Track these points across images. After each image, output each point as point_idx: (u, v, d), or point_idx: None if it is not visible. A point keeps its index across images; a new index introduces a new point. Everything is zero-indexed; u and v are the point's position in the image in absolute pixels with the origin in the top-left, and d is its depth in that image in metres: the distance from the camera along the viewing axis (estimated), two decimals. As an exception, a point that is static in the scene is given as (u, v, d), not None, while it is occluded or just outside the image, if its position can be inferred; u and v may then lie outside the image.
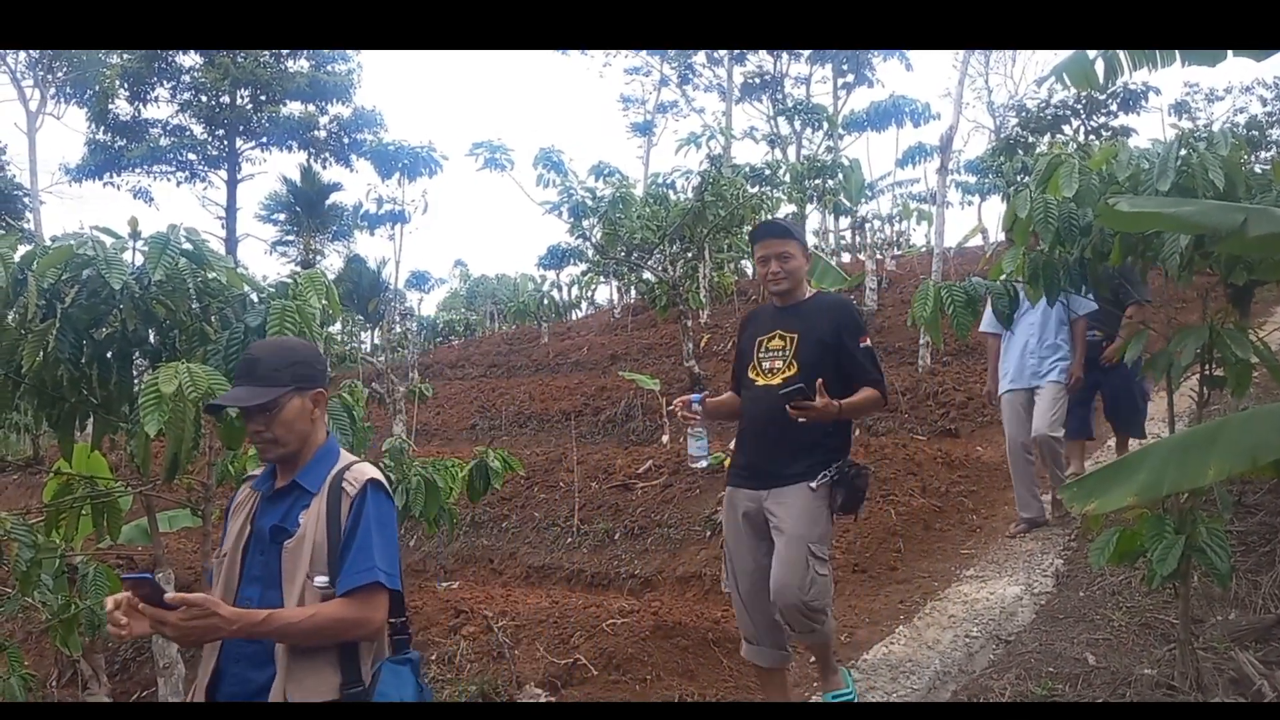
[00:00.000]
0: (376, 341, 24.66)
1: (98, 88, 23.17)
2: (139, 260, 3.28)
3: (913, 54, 26.33)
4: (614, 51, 29.37)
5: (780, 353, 3.60)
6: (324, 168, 26.56)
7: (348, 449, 3.70)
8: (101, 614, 4.01)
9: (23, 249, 3.19)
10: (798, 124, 25.41)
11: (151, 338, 3.44)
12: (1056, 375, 5.82)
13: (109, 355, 3.36)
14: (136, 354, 3.46)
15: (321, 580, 2.21)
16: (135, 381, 3.45)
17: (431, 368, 17.93)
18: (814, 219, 21.46)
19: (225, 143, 25.39)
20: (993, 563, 5.61)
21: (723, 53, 27.66)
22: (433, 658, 4.92)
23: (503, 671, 4.65)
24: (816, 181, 17.65)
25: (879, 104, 21.08)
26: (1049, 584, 5.13)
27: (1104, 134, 15.82)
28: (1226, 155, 3.37)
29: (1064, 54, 3.87)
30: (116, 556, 6.94)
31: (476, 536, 8.31)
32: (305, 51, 24.93)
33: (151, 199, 25.29)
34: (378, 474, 2.37)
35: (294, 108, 25.38)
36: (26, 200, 24.02)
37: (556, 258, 22.45)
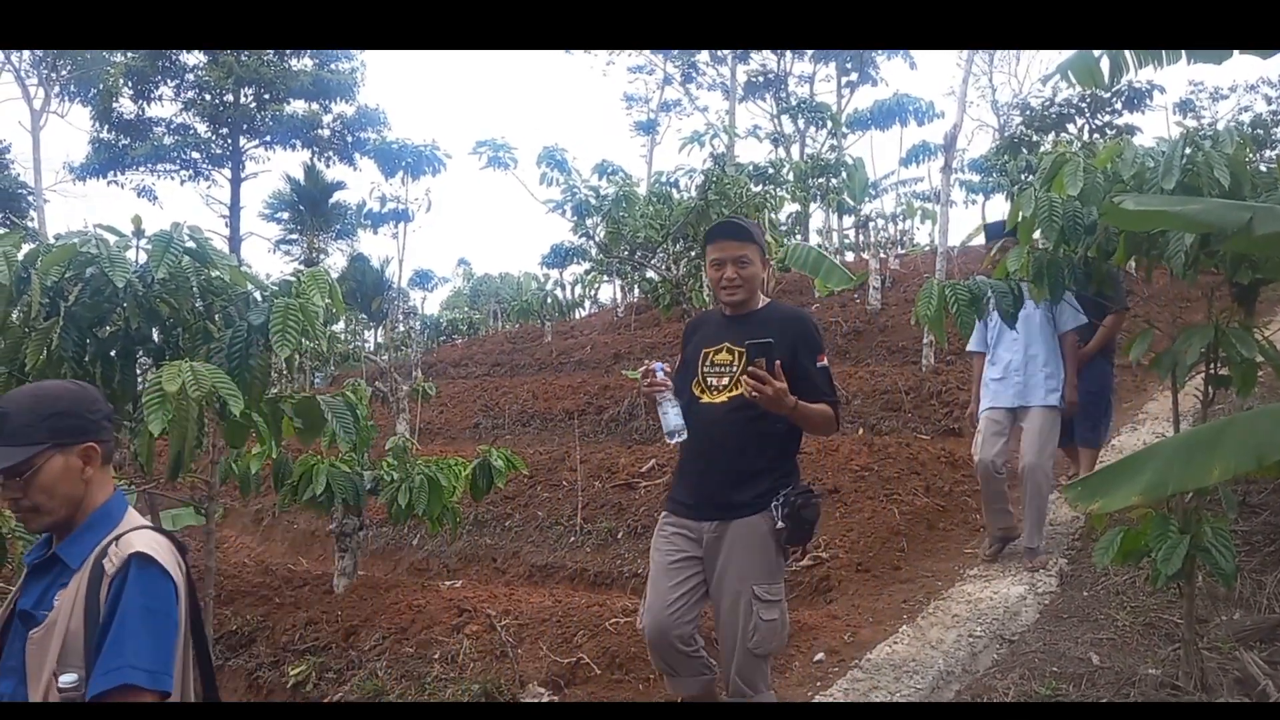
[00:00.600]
0: (380, 340, 24.69)
1: (102, 86, 23.22)
2: (142, 259, 3.29)
3: (917, 53, 26.35)
4: (617, 50, 29.38)
5: (728, 368, 3.24)
6: (328, 166, 26.61)
7: (351, 448, 3.72)
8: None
9: (27, 247, 3.20)
10: (801, 122, 25.45)
11: (155, 336, 3.45)
12: (1046, 398, 5.27)
13: (112, 353, 3.37)
14: (140, 352, 3.47)
15: (68, 679, 1.84)
16: (139, 380, 3.45)
17: (435, 366, 17.94)
18: (818, 217, 21.48)
19: (229, 141, 25.42)
20: (996, 562, 5.60)
21: (726, 51, 27.64)
22: (436, 657, 4.92)
23: (506, 670, 4.65)
24: (820, 180, 17.68)
25: (883, 102, 21.13)
26: (1053, 583, 5.12)
27: (1109, 132, 15.79)
28: (1232, 153, 3.36)
29: (1068, 53, 3.86)
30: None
31: (480, 535, 8.31)
32: (309, 50, 24.98)
33: (155, 197, 25.37)
34: (150, 546, 1.96)
35: (298, 106, 25.42)
36: (31, 198, 24.12)
37: (560, 256, 22.47)
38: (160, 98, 24.53)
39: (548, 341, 17.62)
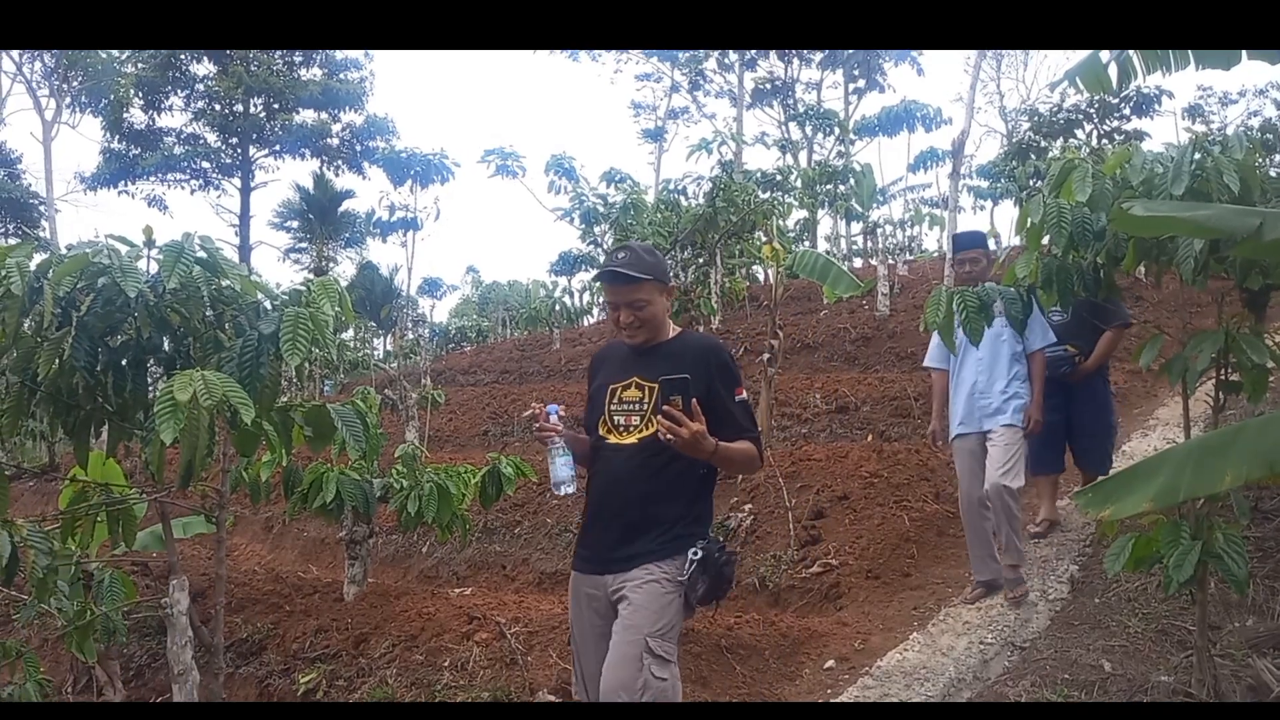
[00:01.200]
0: (389, 348, 24.76)
1: (113, 96, 23.37)
2: (154, 268, 3.30)
3: (924, 59, 26.37)
4: (625, 58, 29.47)
5: (637, 406, 2.96)
6: (337, 175, 26.73)
7: (361, 456, 3.72)
8: (117, 621, 4.03)
9: (39, 257, 3.21)
10: (809, 129, 25.46)
11: (166, 345, 3.46)
12: (1010, 417, 4.96)
13: (124, 363, 3.38)
14: (151, 361, 3.48)
15: None
16: (150, 389, 3.47)
17: (444, 374, 17.96)
18: (826, 224, 21.49)
19: (239, 150, 25.55)
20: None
21: (734, 59, 27.71)
22: (446, 664, 4.92)
23: (515, 678, 4.65)
24: (828, 187, 17.70)
25: (890, 109, 21.11)
26: (1064, 590, 5.10)
27: (1117, 138, 15.76)
28: (1241, 159, 3.36)
29: (1077, 56, 3.86)
30: (131, 563, 6.97)
31: (489, 543, 8.31)
32: (318, 59, 25.14)
33: (165, 207, 25.53)
34: None
35: (307, 115, 25.56)
36: (42, 208, 24.24)
37: (568, 264, 22.47)
38: (170, 108, 24.73)
39: (556, 349, 17.64)
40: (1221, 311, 3.55)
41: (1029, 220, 3.74)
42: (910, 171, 21.51)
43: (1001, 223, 35.61)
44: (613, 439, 3.00)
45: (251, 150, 25.69)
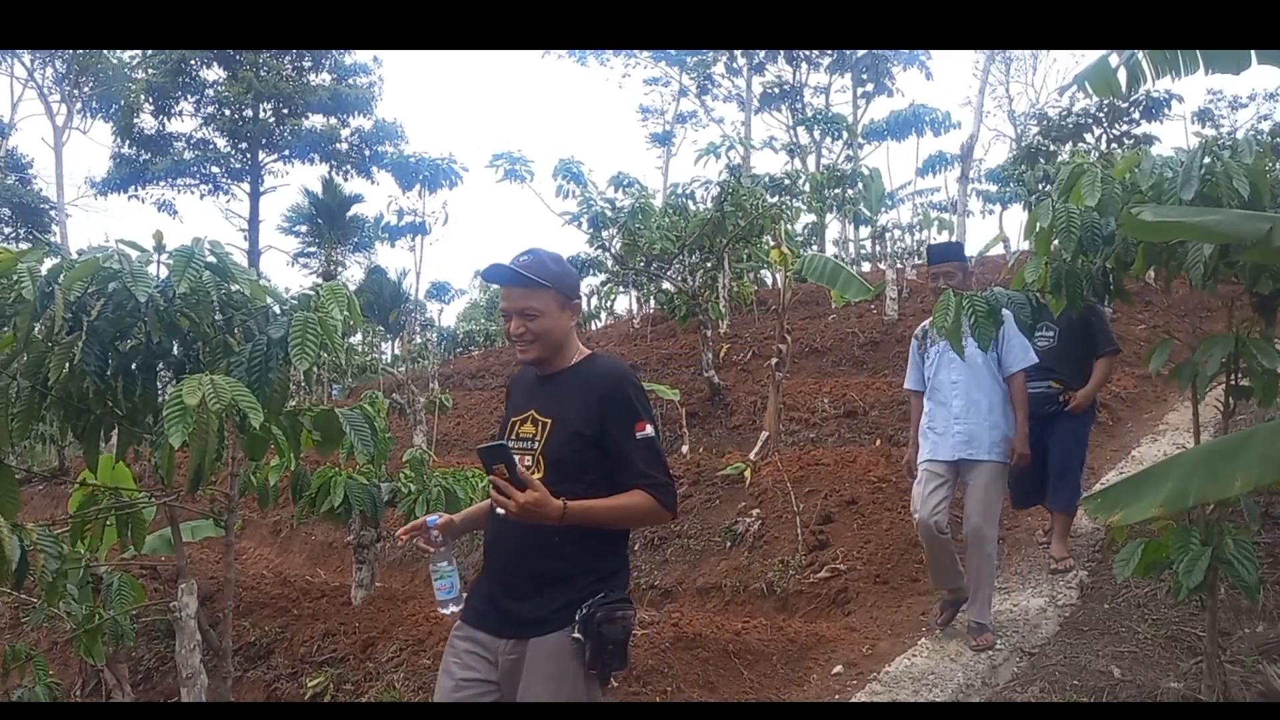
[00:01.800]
0: (397, 352, 24.80)
1: (123, 102, 23.50)
2: (164, 273, 3.31)
3: (932, 63, 26.35)
4: (633, 62, 29.51)
5: (529, 444, 2.59)
6: (345, 180, 26.80)
7: (369, 460, 3.73)
8: (125, 624, 4.05)
9: (50, 262, 3.23)
10: (817, 133, 25.46)
11: (175, 350, 3.47)
12: (990, 451, 4.58)
13: (134, 367, 3.39)
14: (161, 366, 3.49)
15: None
16: (159, 393, 3.48)
17: (452, 378, 17.99)
18: (834, 228, 21.46)
19: (248, 156, 25.67)
20: (1016, 574, 5.57)
21: (741, 63, 27.73)
22: (453, 668, 4.92)
23: (523, 682, 4.64)
24: (836, 191, 17.67)
25: (899, 113, 21.10)
26: (1073, 596, 5.08)
27: (1126, 142, 15.72)
28: (1251, 163, 3.34)
29: (1085, 59, 3.85)
30: (140, 567, 7.00)
31: (497, 547, 8.31)
32: (327, 65, 25.25)
33: (175, 211, 25.66)
34: None
35: (316, 120, 25.67)
36: (53, 213, 24.39)
37: (576, 268, 22.49)
38: (180, 113, 24.87)
39: (564, 353, 17.60)
40: (1231, 316, 3.54)
41: (1038, 225, 3.72)
42: (919, 175, 21.51)
43: (1010, 227, 35.57)
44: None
45: (261, 155, 25.81)
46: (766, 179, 13.00)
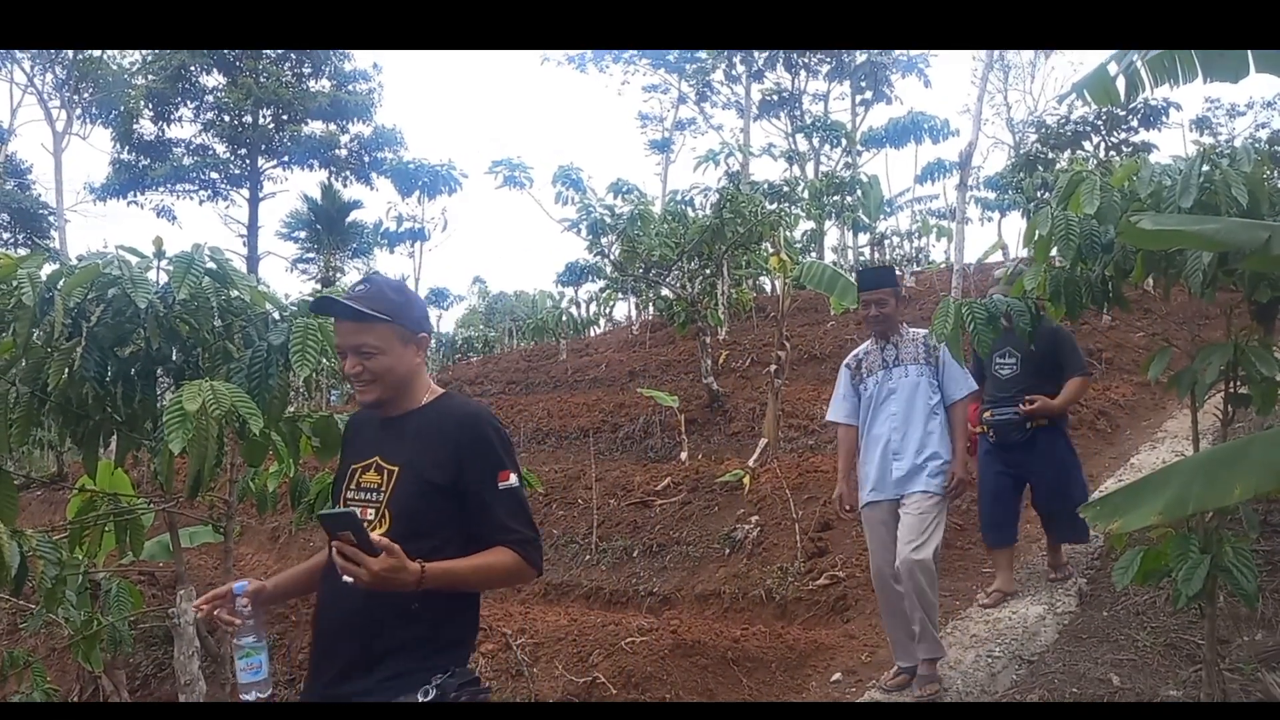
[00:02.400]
0: (396, 358, 24.71)
1: (123, 108, 23.52)
2: (163, 279, 3.32)
3: (931, 71, 26.38)
4: (632, 69, 29.57)
5: (374, 495, 2.26)
6: (345, 186, 26.85)
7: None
8: (123, 630, 4.04)
9: (49, 268, 3.23)
10: (816, 141, 25.48)
11: (175, 356, 3.47)
12: (926, 482, 4.29)
13: (133, 373, 3.39)
14: (160, 372, 3.49)
15: None
16: (159, 399, 3.48)
17: (451, 384, 17.94)
18: (833, 235, 21.48)
19: (247, 161, 25.69)
20: (1015, 581, 5.56)
21: (740, 70, 27.77)
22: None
23: (521, 689, 4.64)
24: (835, 198, 17.70)
25: (897, 120, 21.14)
26: (1072, 603, 5.08)
27: (1125, 150, 15.74)
28: (1249, 172, 3.35)
29: (1084, 67, 3.86)
30: (138, 572, 6.99)
31: (495, 553, 8.30)
32: (327, 70, 25.28)
33: (174, 217, 25.64)
34: None
35: (315, 127, 25.70)
36: (52, 219, 24.38)
37: (575, 274, 22.52)
38: (180, 119, 24.89)
39: (563, 359, 17.64)
40: (1230, 324, 3.54)
41: (1037, 232, 3.73)
42: (917, 183, 21.52)
43: (1009, 234, 35.68)
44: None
45: (260, 161, 25.82)
46: (765, 186, 13.03)
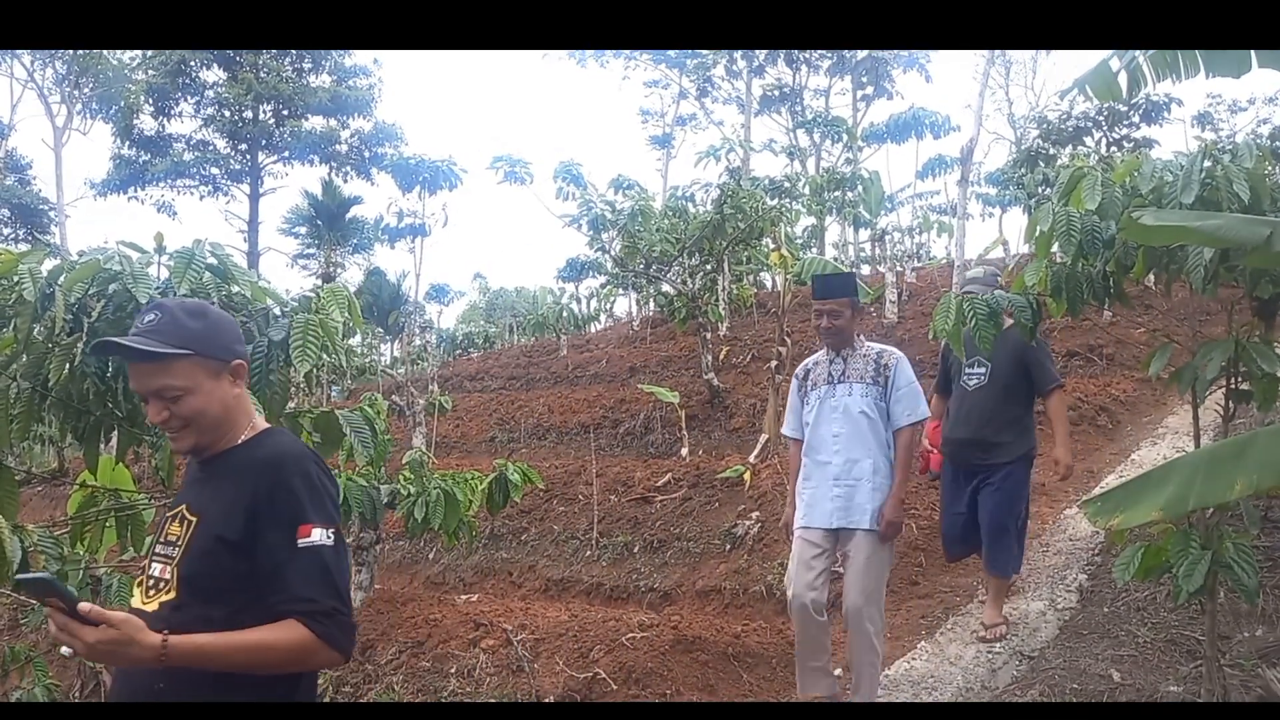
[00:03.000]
0: (396, 354, 24.81)
1: (123, 103, 23.52)
2: (164, 275, 3.31)
3: (932, 66, 26.39)
4: (632, 64, 29.53)
5: (171, 550, 1.93)
6: (345, 181, 26.88)
7: (368, 462, 3.71)
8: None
9: (50, 263, 3.23)
10: (817, 136, 25.48)
11: (176, 351, 3.46)
12: (878, 521, 3.96)
13: (134, 369, 3.39)
14: (161, 368, 3.49)
15: None
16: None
17: (451, 380, 17.98)
18: (834, 231, 21.48)
19: (248, 157, 25.72)
20: (1015, 577, 5.56)
21: (741, 65, 27.74)
22: (452, 671, 4.93)
23: (522, 685, 4.65)
24: (836, 194, 17.70)
25: (899, 116, 21.16)
26: (1073, 599, 5.08)
27: (1126, 145, 15.72)
28: (1251, 167, 3.35)
29: (1085, 62, 3.85)
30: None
31: (496, 549, 8.32)
32: (327, 66, 25.29)
33: (175, 213, 25.73)
34: None
35: (316, 122, 25.74)
36: (53, 214, 24.41)
37: (575, 270, 22.53)
38: (180, 114, 24.93)
39: (563, 355, 17.65)
40: (1231, 320, 3.54)
41: (1038, 228, 3.73)
42: (918, 178, 21.57)
43: (1010, 230, 35.59)
44: (139, 599, 1.96)
45: (260, 156, 25.85)
46: (766, 181, 13.03)
